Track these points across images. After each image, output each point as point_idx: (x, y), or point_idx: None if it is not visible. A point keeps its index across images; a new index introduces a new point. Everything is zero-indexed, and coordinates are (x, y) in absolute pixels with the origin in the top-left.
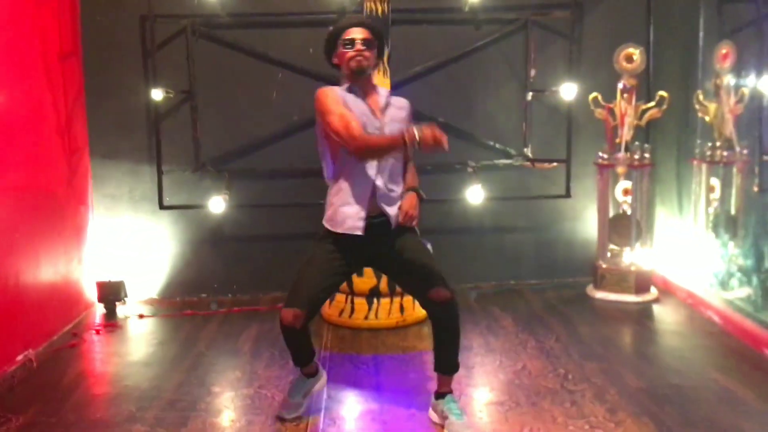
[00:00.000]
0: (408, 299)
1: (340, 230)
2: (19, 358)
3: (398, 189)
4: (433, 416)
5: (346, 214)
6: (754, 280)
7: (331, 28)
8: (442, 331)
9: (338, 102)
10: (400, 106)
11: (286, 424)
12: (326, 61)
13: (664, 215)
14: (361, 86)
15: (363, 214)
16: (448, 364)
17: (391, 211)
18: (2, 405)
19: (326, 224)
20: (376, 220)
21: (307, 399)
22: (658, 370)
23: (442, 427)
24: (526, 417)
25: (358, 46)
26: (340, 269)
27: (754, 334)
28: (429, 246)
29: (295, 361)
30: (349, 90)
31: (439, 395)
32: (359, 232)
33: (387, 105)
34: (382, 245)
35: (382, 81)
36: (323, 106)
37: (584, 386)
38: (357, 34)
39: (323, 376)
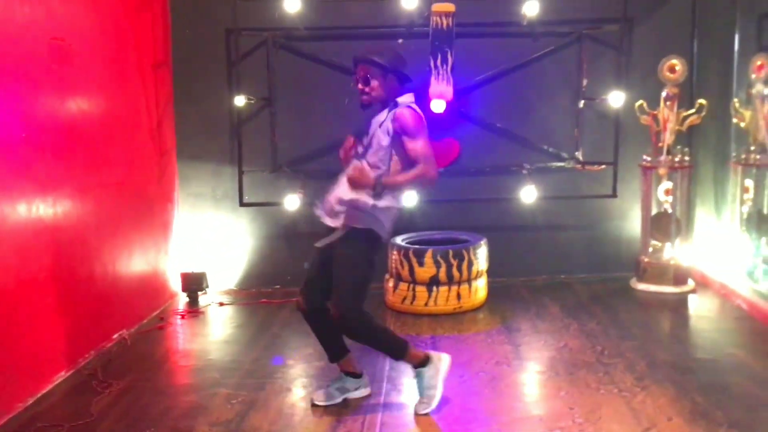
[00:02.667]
0: (464, 287)
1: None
2: (115, 336)
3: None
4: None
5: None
6: None
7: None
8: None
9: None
10: (385, 128)
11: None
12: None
13: (702, 214)
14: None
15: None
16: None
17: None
18: (104, 373)
19: None
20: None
21: (343, 396)
22: (684, 348)
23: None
24: (563, 383)
25: (359, 85)
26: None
27: None
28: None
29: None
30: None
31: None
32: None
33: (374, 133)
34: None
35: (446, 89)
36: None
37: (617, 360)
38: (359, 72)
39: (367, 387)
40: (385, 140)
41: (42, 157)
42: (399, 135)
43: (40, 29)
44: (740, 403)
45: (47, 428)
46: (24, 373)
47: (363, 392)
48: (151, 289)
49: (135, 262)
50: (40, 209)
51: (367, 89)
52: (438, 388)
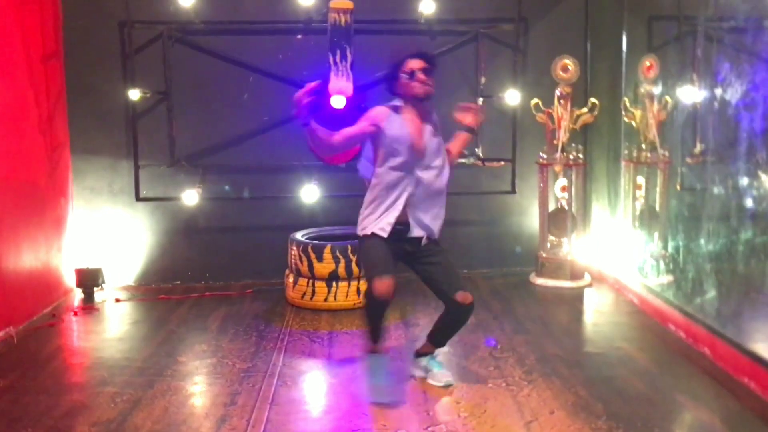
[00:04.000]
0: (363, 283)
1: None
2: (1, 333)
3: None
4: (416, 371)
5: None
6: (669, 266)
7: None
8: (455, 322)
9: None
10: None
11: (243, 385)
12: (388, 89)
13: (598, 210)
14: (418, 111)
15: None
16: (443, 341)
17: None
18: None
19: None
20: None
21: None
22: (575, 341)
23: (424, 378)
24: (454, 377)
25: (420, 75)
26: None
27: (663, 312)
28: None
29: (375, 337)
30: (397, 110)
31: (422, 354)
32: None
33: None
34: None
35: (346, 85)
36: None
37: (508, 354)
38: (416, 64)
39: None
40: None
41: None
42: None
43: None
44: (621, 396)
45: None
46: None
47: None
48: (43, 285)
49: (23, 258)
50: None
51: (430, 82)
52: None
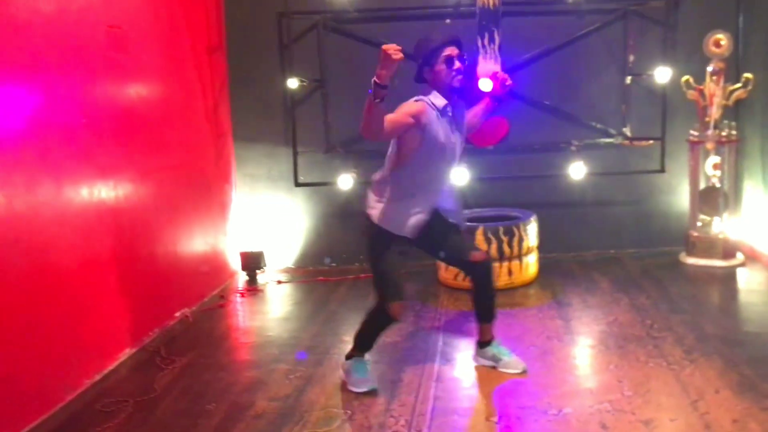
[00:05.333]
0: (515, 263)
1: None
2: (177, 314)
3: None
4: (483, 362)
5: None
6: None
7: (428, 40)
8: (482, 287)
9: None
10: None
11: (407, 363)
12: (417, 72)
13: (750, 188)
14: (453, 105)
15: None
16: (490, 313)
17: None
18: (168, 350)
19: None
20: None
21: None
22: (733, 321)
23: (494, 368)
24: (613, 357)
25: (458, 64)
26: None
27: None
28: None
29: (367, 347)
30: (443, 110)
31: (485, 343)
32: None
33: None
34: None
35: (494, 68)
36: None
37: (666, 334)
38: (454, 51)
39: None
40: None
41: (102, 143)
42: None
43: (96, 17)
44: None
45: (113, 403)
46: (90, 350)
47: None
48: (212, 268)
49: (195, 242)
50: (101, 193)
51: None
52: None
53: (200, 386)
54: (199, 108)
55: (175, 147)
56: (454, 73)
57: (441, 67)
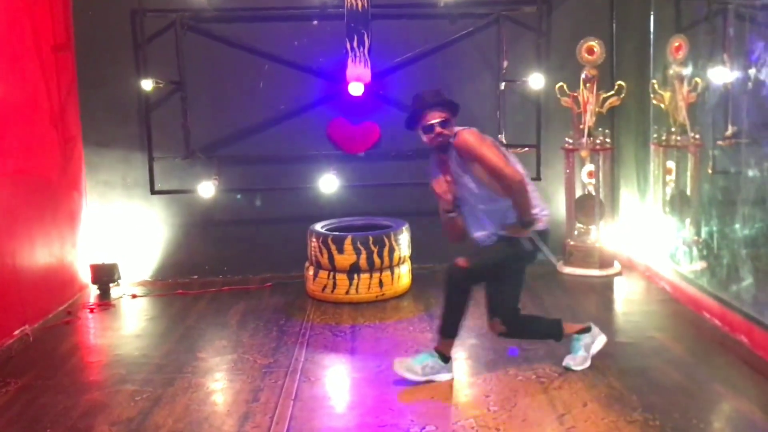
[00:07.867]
0: (386, 274)
1: None
2: (17, 332)
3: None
4: (411, 376)
5: None
6: (703, 252)
7: (414, 103)
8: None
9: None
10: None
11: (265, 381)
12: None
13: (627, 196)
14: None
15: None
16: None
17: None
18: (2, 372)
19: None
20: None
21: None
22: (606, 332)
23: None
24: (482, 369)
25: (438, 129)
26: None
27: (697, 300)
28: None
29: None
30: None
31: (442, 354)
32: None
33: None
34: None
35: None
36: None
37: (538, 346)
38: (434, 119)
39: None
40: (462, 174)
41: None
42: (466, 160)
43: None
44: (656, 387)
45: None
46: None
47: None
48: (58, 281)
49: (37, 254)
50: None
51: (446, 132)
52: (588, 355)
53: (36, 411)
54: (43, 110)
55: (14, 152)
56: (433, 136)
57: (422, 133)
